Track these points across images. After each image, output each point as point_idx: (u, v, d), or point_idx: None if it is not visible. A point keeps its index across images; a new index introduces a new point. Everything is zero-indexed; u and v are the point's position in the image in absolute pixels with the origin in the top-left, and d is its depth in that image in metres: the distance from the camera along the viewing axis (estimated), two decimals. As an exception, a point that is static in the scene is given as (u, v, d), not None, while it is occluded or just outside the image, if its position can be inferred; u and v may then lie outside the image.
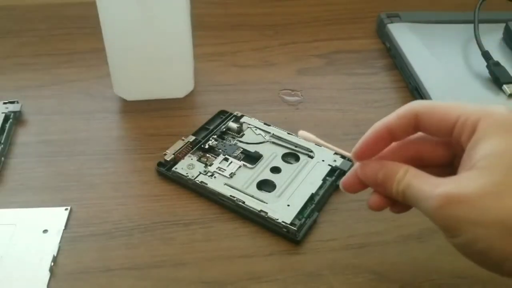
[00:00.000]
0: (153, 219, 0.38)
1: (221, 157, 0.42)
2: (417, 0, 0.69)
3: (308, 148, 0.43)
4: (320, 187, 0.40)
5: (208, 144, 0.43)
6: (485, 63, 0.51)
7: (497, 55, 0.52)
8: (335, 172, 0.41)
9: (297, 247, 0.36)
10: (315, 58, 0.58)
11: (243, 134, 0.45)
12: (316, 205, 0.38)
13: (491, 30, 0.56)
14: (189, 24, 0.47)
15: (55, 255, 0.35)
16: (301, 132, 0.33)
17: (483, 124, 0.27)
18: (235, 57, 0.57)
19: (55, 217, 0.38)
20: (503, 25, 0.56)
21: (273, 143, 0.44)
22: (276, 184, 0.40)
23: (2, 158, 0.43)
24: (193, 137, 0.44)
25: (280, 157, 0.42)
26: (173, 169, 0.41)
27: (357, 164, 0.31)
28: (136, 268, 0.35)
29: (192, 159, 0.42)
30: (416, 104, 0.29)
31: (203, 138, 0.44)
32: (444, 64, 0.52)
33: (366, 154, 0.30)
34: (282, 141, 0.44)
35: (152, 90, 0.50)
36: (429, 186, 0.27)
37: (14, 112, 0.47)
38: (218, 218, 0.38)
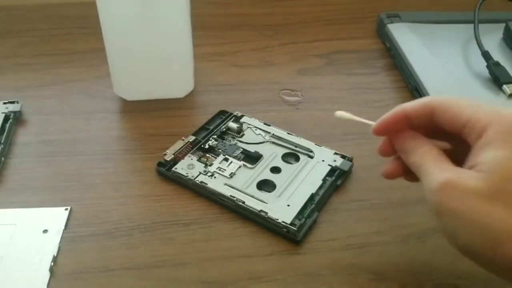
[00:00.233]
0: (153, 219, 0.38)
1: (221, 157, 0.42)
2: (417, 0, 0.69)
3: (308, 148, 0.43)
4: (320, 187, 0.40)
5: (208, 144, 0.43)
6: (485, 63, 0.51)
7: (497, 55, 0.52)
8: (335, 172, 0.41)
9: (297, 247, 0.36)
10: (315, 58, 0.58)
11: (243, 134, 0.45)
12: (316, 205, 0.38)
13: (491, 30, 0.56)
14: (189, 24, 0.47)
15: (55, 255, 0.35)
16: (339, 112, 0.36)
17: (491, 130, 0.28)
18: (235, 57, 0.57)
19: (55, 217, 0.38)
20: (503, 25, 0.56)
21: (273, 143, 0.44)
22: (276, 184, 0.40)
23: (2, 158, 0.43)
24: (193, 137, 0.44)
25: (280, 157, 0.42)
26: (173, 169, 0.41)
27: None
28: (136, 268, 0.35)
29: (192, 159, 0.42)
30: (434, 100, 0.31)
31: (203, 138, 0.44)
32: (444, 64, 0.52)
33: (384, 131, 0.33)
34: (282, 141, 0.44)
35: (152, 90, 0.50)
36: (437, 170, 0.28)
37: (14, 112, 0.47)
38: (218, 218, 0.38)
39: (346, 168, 0.41)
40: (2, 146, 0.43)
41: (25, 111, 0.48)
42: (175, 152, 0.42)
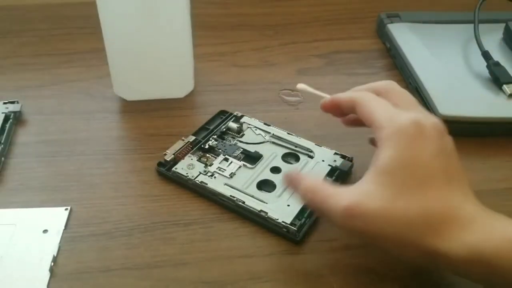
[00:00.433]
0: (153, 219, 0.38)
1: (221, 157, 0.42)
2: (417, 0, 0.69)
3: (308, 148, 0.43)
4: None
5: (208, 144, 0.43)
6: (485, 63, 0.51)
7: (497, 55, 0.52)
8: (335, 172, 0.41)
9: (297, 247, 0.36)
10: (315, 58, 0.58)
11: (243, 134, 0.45)
12: None
13: (491, 30, 0.56)
14: (189, 24, 0.47)
15: (55, 255, 0.35)
16: (300, 85, 0.42)
17: (384, 132, 0.32)
18: (235, 57, 0.57)
19: (55, 217, 0.38)
20: (503, 25, 0.56)
21: (273, 143, 0.44)
22: (276, 184, 0.40)
23: (2, 158, 0.43)
24: (193, 137, 0.44)
25: (280, 157, 0.42)
26: (173, 169, 0.41)
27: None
28: (136, 268, 0.35)
29: (192, 159, 0.42)
30: (357, 96, 0.36)
31: (203, 138, 0.44)
32: (444, 64, 0.52)
33: (327, 110, 0.39)
34: (282, 141, 0.44)
35: (152, 90, 0.50)
36: (333, 200, 0.31)
37: (14, 112, 0.47)
38: (218, 218, 0.38)
39: (346, 168, 0.41)
40: (2, 146, 0.43)
41: (25, 111, 0.48)
42: (175, 152, 0.42)
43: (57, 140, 0.45)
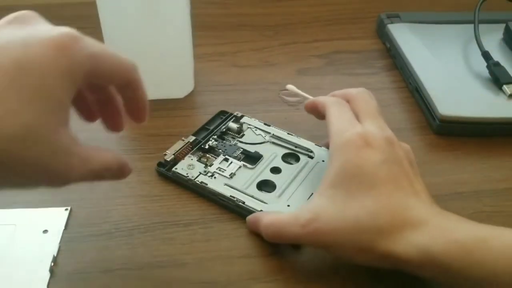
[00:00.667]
0: (153, 219, 0.38)
1: (221, 157, 0.42)
2: (417, 0, 0.69)
3: (308, 149, 0.43)
4: None
5: (208, 145, 0.43)
6: (485, 63, 0.51)
7: (497, 55, 0.52)
8: None
9: (297, 247, 0.36)
10: (315, 58, 0.58)
11: (243, 135, 0.45)
12: None
13: (491, 30, 0.56)
14: (189, 24, 0.47)
15: (55, 255, 0.35)
16: (289, 86, 0.45)
17: (331, 147, 0.35)
18: (235, 57, 0.57)
19: (55, 217, 0.38)
20: (503, 25, 0.56)
21: (273, 143, 0.44)
22: (276, 184, 0.40)
23: (2, 158, 0.43)
24: (193, 137, 0.44)
25: (280, 158, 0.42)
26: (173, 169, 0.41)
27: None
28: (136, 268, 0.35)
29: (192, 159, 0.42)
30: (327, 102, 0.38)
31: (203, 139, 0.44)
32: (444, 64, 0.52)
33: (309, 111, 0.41)
34: (282, 141, 0.44)
35: (152, 90, 0.49)
36: (291, 223, 0.33)
37: (14, 112, 0.47)
38: (218, 218, 0.38)
39: None
40: (2, 146, 0.43)
41: (25, 111, 0.48)
42: (175, 152, 0.42)
43: (57, 140, 0.45)
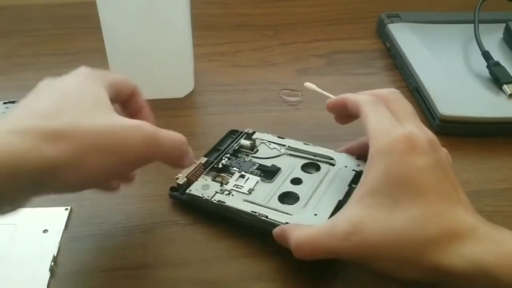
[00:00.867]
0: (153, 219, 0.38)
1: (236, 174, 0.39)
2: (417, 0, 0.69)
3: (328, 156, 0.41)
4: (347, 194, 0.37)
5: (222, 164, 0.40)
6: (485, 63, 0.51)
7: (497, 55, 0.52)
8: (360, 177, 0.39)
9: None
10: (315, 58, 0.58)
11: (257, 150, 0.42)
12: None
13: (491, 30, 0.56)
14: (189, 24, 0.47)
15: (55, 255, 0.35)
16: (307, 84, 0.42)
17: (373, 149, 0.32)
18: (235, 57, 0.57)
19: (55, 217, 0.38)
20: (503, 25, 0.56)
21: (290, 155, 0.42)
22: (299, 195, 0.37)
23: (2, 158, 0.43)
24: (205, 159, 0.41)
25: (300, 168, 0.40)
26: (187, 191, 0.38)
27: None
28: (136, 268, 0.35)
29: (206, 179, 0.39)
30: (362, 100, 0.35)
31: (215, 159, 0.41)
32: (444, 64, 0.52)
33: (333, 109, 0.39)
34: (299, 152, 0.42)
35: (152, 90, 0.50)
36: (329, 240, 0.31)
37: (14, 112, 0.47)
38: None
39: None
40: (2, 146, 0.43)
41: (25, 111, 0.48)
42: (187, 175, 0.39)
43: (57, 140, 0.45)
